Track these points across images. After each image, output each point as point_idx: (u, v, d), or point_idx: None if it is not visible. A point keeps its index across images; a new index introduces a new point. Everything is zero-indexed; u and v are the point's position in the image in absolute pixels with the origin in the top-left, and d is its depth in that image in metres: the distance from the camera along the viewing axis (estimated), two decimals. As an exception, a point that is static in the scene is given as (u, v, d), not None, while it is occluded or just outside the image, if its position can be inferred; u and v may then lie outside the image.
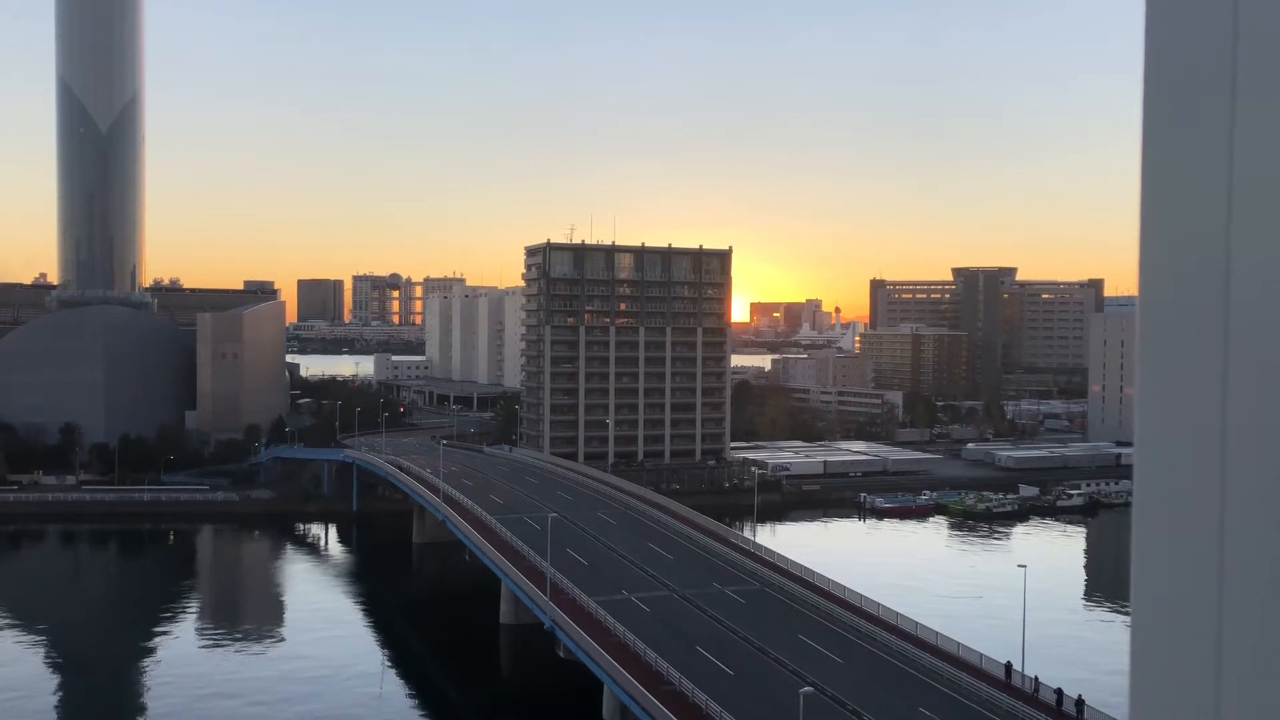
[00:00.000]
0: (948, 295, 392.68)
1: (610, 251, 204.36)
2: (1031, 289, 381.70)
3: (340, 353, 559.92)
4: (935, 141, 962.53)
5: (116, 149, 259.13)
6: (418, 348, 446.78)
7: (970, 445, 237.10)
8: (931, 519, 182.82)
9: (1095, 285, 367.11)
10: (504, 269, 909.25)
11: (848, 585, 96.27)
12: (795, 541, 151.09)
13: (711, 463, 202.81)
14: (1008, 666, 75.03)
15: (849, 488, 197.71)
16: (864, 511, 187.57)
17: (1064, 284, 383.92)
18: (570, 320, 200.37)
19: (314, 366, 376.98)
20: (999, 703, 70.15)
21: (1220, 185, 2.45)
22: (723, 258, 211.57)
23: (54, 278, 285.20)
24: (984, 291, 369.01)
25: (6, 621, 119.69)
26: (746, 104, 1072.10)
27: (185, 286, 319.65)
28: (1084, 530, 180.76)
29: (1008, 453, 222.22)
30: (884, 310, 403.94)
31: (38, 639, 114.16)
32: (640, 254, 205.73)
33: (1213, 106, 2.45)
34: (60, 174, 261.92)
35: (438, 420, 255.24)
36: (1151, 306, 2.57)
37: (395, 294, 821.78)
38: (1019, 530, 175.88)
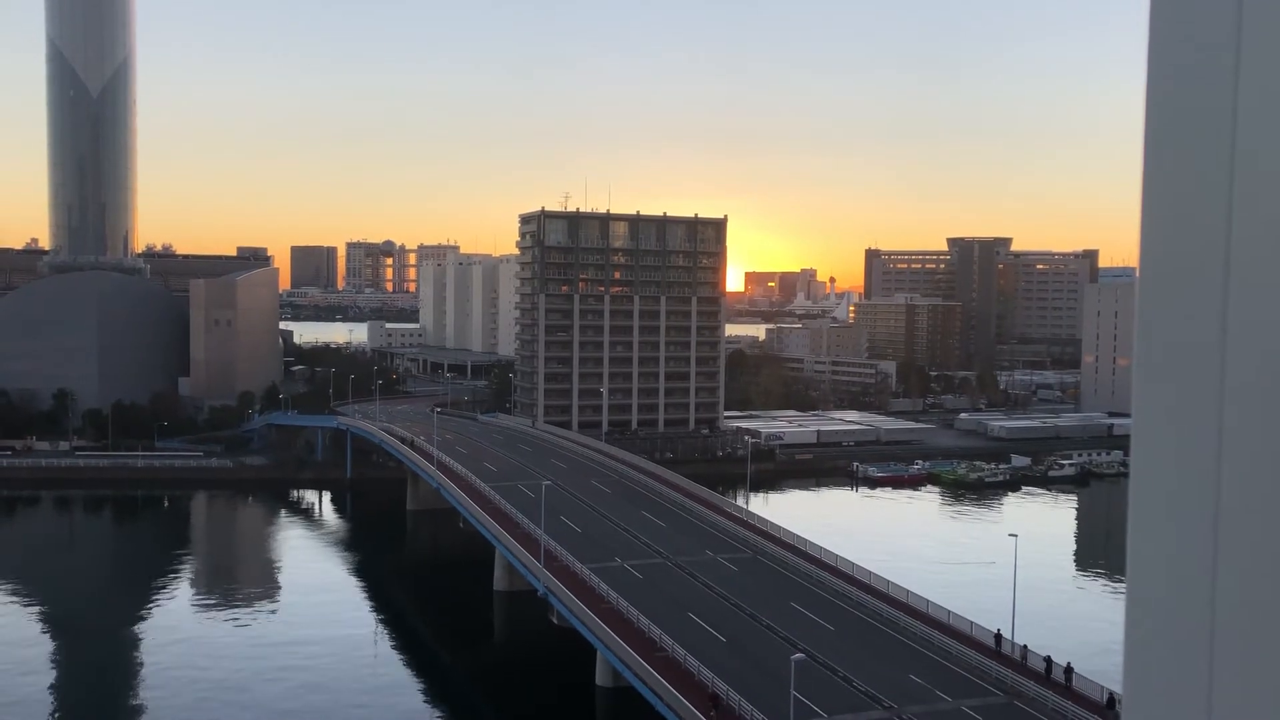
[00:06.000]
0: (943, 265, 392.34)
1: (605, 220, 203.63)
2: (1026, 259, 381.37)
3: (334, 320, 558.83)
4: (931, 111, 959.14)
5: (108, 113, 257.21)
6: (411, 315, 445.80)
7: (963, 415, 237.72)
8: (924, 488, 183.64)
9: (1090, 256, 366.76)
10: (498, 236, 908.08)
11: (839, 553, 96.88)
12: (788, 510, 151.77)
13: (705, 431, 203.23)
14: (997, 635, 75.57)
15: (842, 457, 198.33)
16: (856, 481, 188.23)
17: (1058, 255, 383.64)
18: (565, 288, 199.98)
19: (307, 333, 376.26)
20: (988, 670, 70.77)
21: (1222, 174, 2.44)
22: (718, 226, 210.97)
23: (45, 243, 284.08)
24: (979, 262, 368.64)
25: (0, 587, 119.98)
26: (742, 73, 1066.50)
27: (178, 253, 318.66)
28: (1075, 500, 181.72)
29: (1000, 423, 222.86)
30: (879, 280, 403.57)
31: (32, 604, 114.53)
32: (635, 222, 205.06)
33: (1215, 92, 2.44)
34: (51, 138, 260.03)
35: (432, 388, 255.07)
36: (1151, 299, 2.57)
37: (389, 261, 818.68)
38: (1011, 500, 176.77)
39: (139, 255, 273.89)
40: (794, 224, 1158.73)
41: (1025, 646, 73.45)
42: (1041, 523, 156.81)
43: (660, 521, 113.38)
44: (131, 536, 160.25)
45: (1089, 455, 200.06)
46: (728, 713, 64.26)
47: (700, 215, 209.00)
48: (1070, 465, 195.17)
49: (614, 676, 79.47)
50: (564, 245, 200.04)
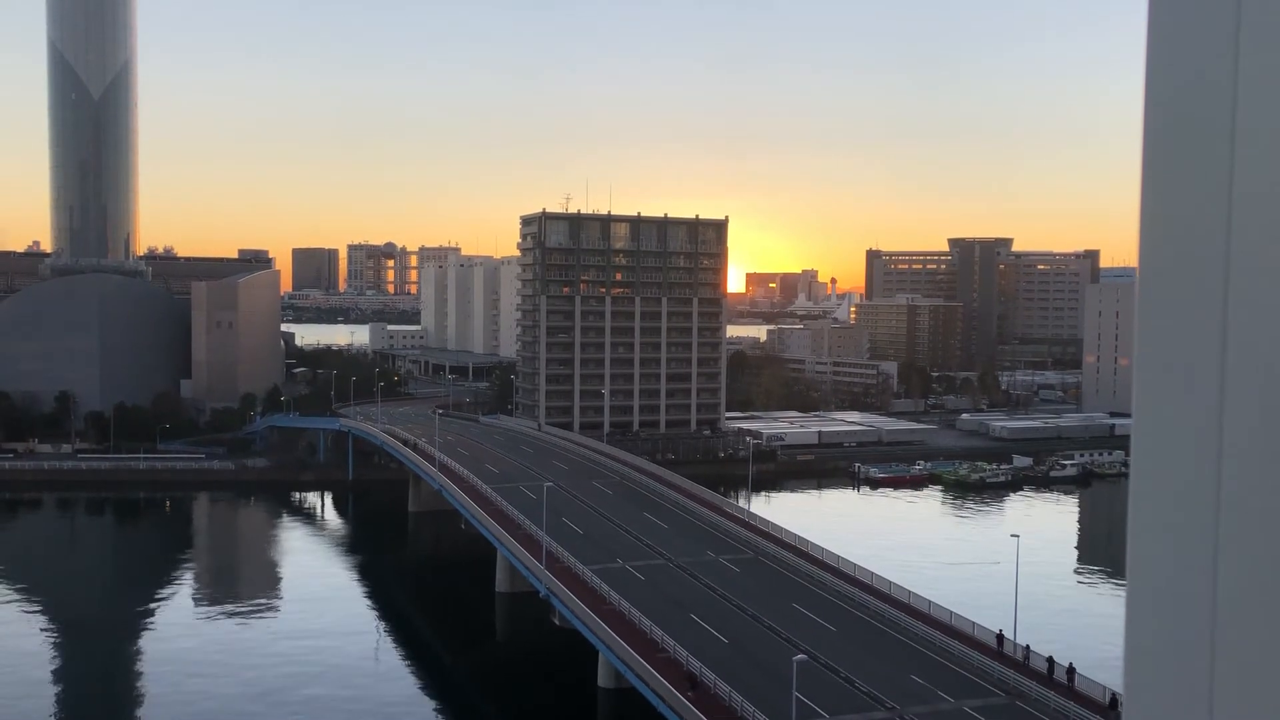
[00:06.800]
0: (944, 266, 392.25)
1: (606, 221, 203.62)
2: (1027, 260, 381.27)
3: (335, 322, 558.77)
4: (931, 111, 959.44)
5: (109, 116, 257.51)
6: (413, 317, 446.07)
7: (965, 416, 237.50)
8: (925, 489, 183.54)
9: (1091, 256, 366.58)
10: (499, 238, 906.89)
11: (841, 554, 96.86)
12: (789, 511, 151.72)
13: (707, 432, 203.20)
14: (999, 635, 75.55)
15: (843, 458, 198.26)
16: (858, 481, 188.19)
17: (1060, 255, 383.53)
18: (566, 290, 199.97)
19: (309, 336, 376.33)
20: (990, 670, 70.76)
21: (1222, 174, 2.45)
22: (719, 228, 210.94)
23: (47, 245, 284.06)
24: (980, 262, 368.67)
25: (3, 589, 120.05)
26: (742, 73, 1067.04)
27: (179, 255, 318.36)
28: (1077, 500, 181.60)
29: (1002, 423, 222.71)
30: (880, 280, 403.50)
31: (34, 606, 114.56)
32: (636, 224, 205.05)
33: (1215, 92, 2.45)
34: (52, 141, 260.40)
35: (433, 390, 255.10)
36: (1150, 299, 2.58)
37: (390, 263, 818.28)
38: (1012, 500, 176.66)
39: (140, 257, 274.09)
40: (795, 224, 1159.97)
41: (1027, 647, 73.42)
42: (1043, 523, 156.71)
43: (662, 523, 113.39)
44: (133, 539, 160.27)
45: (1090, 455, 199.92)
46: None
47: (701, 216, 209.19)
48: (1072, 465, 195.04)
49: (615, 678, 79.49)
50: (565, 246, 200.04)
